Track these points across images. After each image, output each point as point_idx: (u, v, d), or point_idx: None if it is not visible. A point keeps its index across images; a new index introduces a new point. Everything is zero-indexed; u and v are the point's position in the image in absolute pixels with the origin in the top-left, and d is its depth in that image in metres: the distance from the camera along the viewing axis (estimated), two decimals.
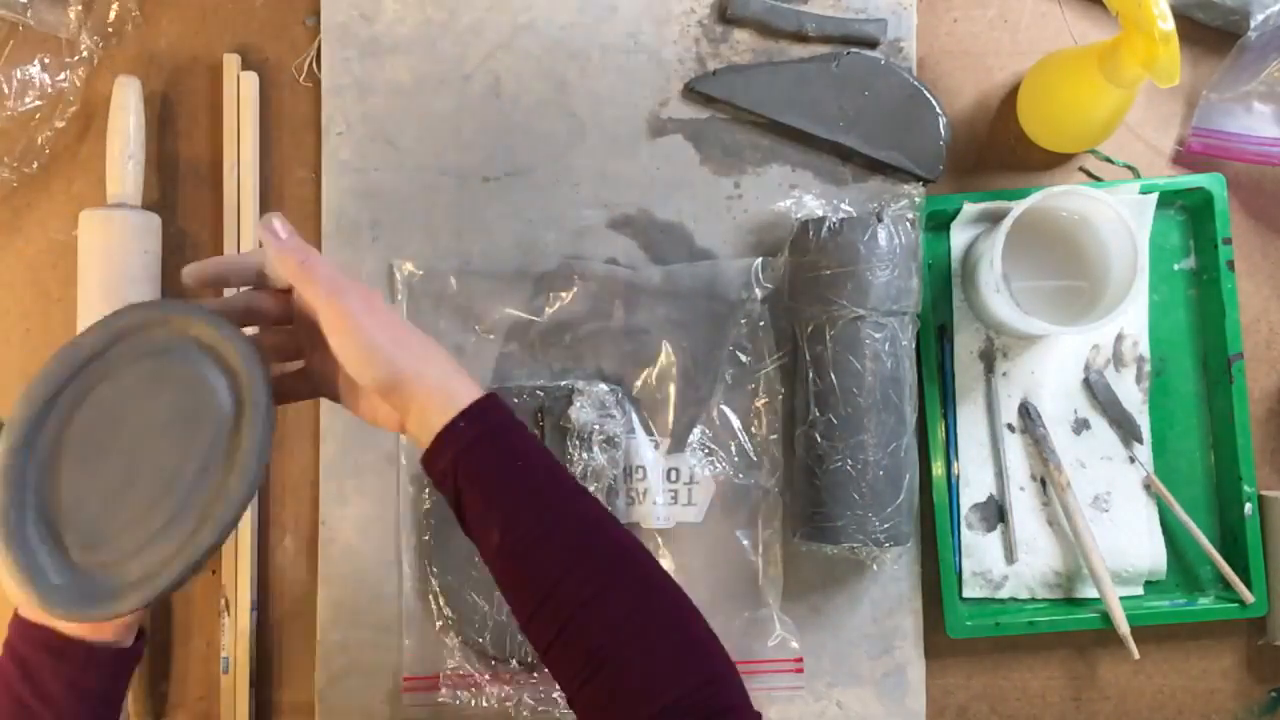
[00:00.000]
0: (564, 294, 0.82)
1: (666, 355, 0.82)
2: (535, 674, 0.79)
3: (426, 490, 0.81)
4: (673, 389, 0.82)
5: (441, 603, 0.80)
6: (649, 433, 0.82)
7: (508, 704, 0.79)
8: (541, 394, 0.80)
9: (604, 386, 0.80)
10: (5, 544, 0.55)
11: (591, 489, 0.78)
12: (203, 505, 0.57)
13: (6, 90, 0.83)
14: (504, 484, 0.58)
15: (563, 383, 0.81)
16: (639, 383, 0.82)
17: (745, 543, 0.81)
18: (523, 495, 0.58)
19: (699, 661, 0.55)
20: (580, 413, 0.79)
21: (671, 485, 0.82)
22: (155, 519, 0.57)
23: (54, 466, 0.57)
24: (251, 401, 0.58)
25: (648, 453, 0.81)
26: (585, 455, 0.78)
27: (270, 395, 0.58)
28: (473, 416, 0.58)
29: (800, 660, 0.81)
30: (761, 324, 0.82)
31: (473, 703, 0.79)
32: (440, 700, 0.80)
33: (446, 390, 0.59)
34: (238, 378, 0.58)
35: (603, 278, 0.83)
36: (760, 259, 0.82)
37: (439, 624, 0.80)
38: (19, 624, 0.61)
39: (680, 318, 0.82)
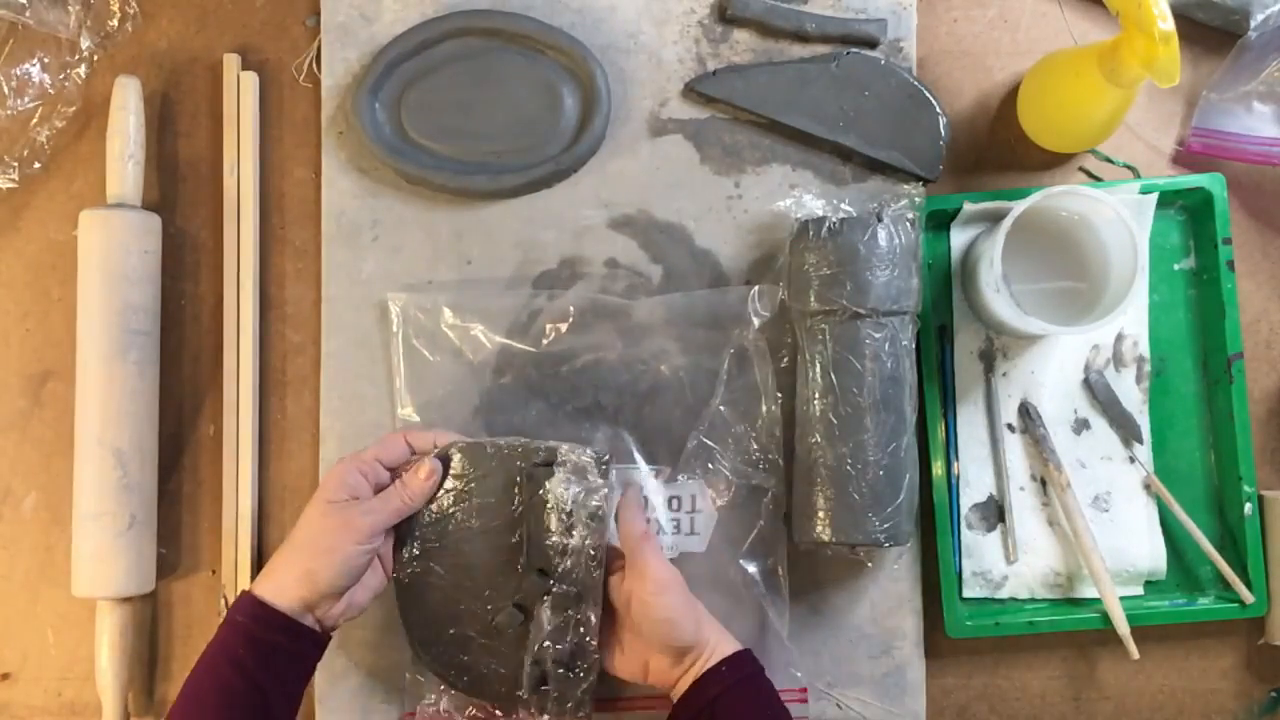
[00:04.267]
0: (560, 325, 0.82)
1: (665, 385, 0.82)
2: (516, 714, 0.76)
3: (414, 544, 0.75)
4: (671, 419, 0.81)
5: (417, 651, 0.77)
6: (650, 462, 0.81)
7: None
8: (520, 452, 0.74)
9: (587, 451, 0.74)
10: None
11: (569, 563, 0.73)
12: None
13: (6, 90, 0.83)
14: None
15: (543, 446, 0.74)
16: (637, 413, 0.81)
17: (751, 570, 0.80)
18: None
19: None
20: (562, 487, 0.73)
21: (674, 514, 0.81)
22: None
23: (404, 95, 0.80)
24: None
25: (650, 483, 0.80)
26: (564, 533, 0.72)
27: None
28: (733, 664, 0.71)
29: (805, 691, 0.80)
30: (761, 324, 0.81)
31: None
32: None
33: (713, 644, 0.72)
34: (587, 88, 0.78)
35: (600, 308, 0.82)
36: (756, 288, 0.81)
37: (412, 666, 0.79)
38: (254, 609, 0.68)
39: (678, 348, 0.82)
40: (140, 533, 0.80)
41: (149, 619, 0.83)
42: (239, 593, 0.71)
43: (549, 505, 0.73)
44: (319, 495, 0.72)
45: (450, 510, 0.75)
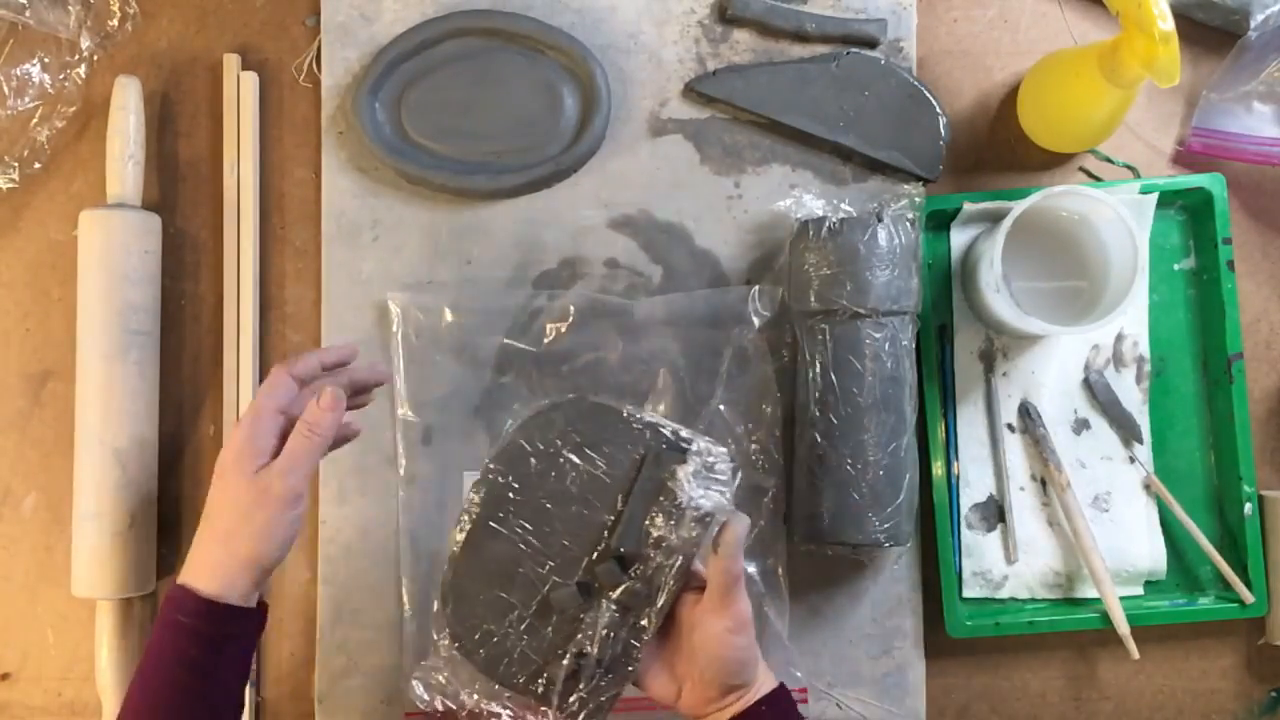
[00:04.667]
0: (560, 325, 0.82)
1: (665, 386, 0.81)
2: (517, 709, 0.71)
3: (476, 492, 0.71)
4: (671, 419, 0.80)
5: (448, 602, 0.70)
6: None
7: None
8: (650, 433, 0.69)
9: (722, 451, 0.69)
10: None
11: (657, 560, 0.67)
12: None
13: (6, 90, 0.83)
14: None
15: (680, 431, 0.69)
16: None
17: (751, 570, 0.80)
18: None
19: None
20: (689, 477, 0.67)
21: None
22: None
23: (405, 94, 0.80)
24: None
25: None
26: (671, 526, 0.67)
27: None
28: (772, 703, 0.68)
29: (805, 691, 0.81)
30: (761, 324, 0.81)
31: (438, 706, 0.72)
32: (415, 691, 0.72)
33: (757, 685, 0.68)
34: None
35: (601, 308, 0.82)
36: (756, 288, 0.81)
37: (435, 620, 0.73)
38: (199, 606, 0.64)
39: (678, 348, 0.82)
40: (140, 533, 0.80)
41: (149, 619, 0.83)
42: (171, 587, 0.65)
43: (666, 491, 0.68)
44: (234, 469, 0.65)
45: (555, 462, 0.69)
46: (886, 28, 0.84)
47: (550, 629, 0.69)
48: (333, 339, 0.83)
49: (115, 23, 0.84)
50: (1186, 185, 0.82)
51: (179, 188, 0.85)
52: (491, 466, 0.70)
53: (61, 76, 0.83)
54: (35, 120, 0.83)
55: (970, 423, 0.83)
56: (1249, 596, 0.80)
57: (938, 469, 0.80)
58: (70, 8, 0.83)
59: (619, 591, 0.67)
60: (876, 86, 0.82)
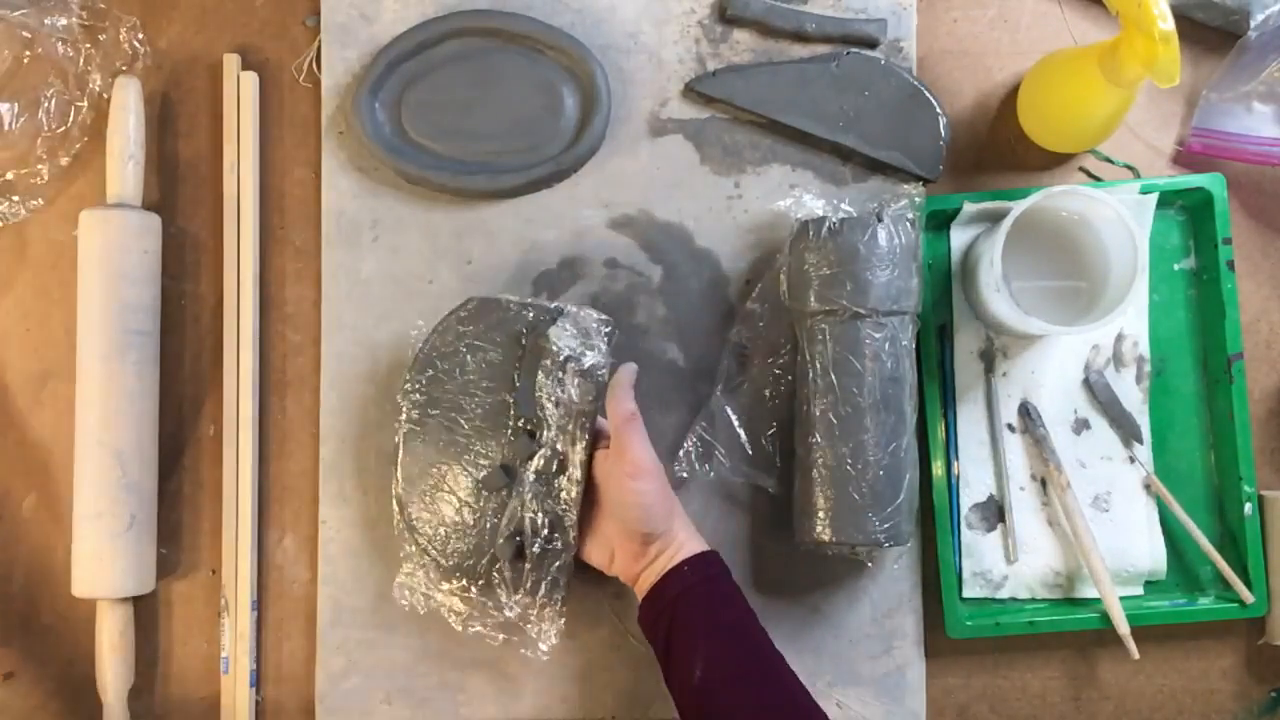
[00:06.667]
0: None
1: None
2: (486, 596, 0.75)
3: (402, 406, 0.77)
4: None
5: (408, 513, 0.76)
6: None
7: (452, 617, 0.77)
8: (530, 312, 0.76)
9: (594, 314, 0.75)
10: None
11: (556, 420, 0.73)
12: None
13: (9, 125, 0.83)
14: (712, 627, 0.69)
15: (554, 304, 0.76)
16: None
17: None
18: (727, 639, 0.69)
19: None
20: (561, 335, 0.73)
21: None
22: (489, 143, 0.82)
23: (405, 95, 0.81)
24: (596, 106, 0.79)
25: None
26: (555, 384, 0.73)
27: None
28: (696, 564, 0.70)
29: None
30: (761, 324, 0.82)
31: (420, 609, 0.77)
32: (396, 595, 0.77)
33: (680, 542, 0.72)
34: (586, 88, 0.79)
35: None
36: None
37: (397, 529, 0.78)
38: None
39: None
40: (140, 533, 0.80)
41: (149, 619, 0.83)
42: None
43: (545, 354, 0.73)
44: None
45: (457, 361, 0.75)
46: (886, 28, 0.84)
47: (490, 515, 0.74)
48: (332, 339, 0.83)
49: (124, 65, 0.84)
50: (1186, 185, 0.82)
51: (179, 188, 0.85)
52: (408, 384, 0.76)
53: (67, 116, 0.83)
54: (40, 152, 0.83)
55: (970, 423, 0.83)
56: (1249, 596, 0.80)
57: (938, 469, 0.81)
58: (80, 46, 0.83)
59: (534, 461, 0.73)
60: (876, 86, 0.82)
